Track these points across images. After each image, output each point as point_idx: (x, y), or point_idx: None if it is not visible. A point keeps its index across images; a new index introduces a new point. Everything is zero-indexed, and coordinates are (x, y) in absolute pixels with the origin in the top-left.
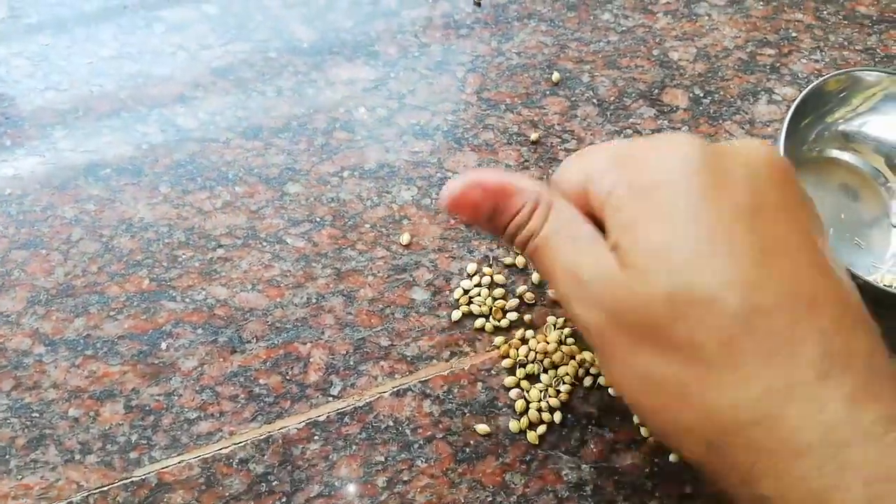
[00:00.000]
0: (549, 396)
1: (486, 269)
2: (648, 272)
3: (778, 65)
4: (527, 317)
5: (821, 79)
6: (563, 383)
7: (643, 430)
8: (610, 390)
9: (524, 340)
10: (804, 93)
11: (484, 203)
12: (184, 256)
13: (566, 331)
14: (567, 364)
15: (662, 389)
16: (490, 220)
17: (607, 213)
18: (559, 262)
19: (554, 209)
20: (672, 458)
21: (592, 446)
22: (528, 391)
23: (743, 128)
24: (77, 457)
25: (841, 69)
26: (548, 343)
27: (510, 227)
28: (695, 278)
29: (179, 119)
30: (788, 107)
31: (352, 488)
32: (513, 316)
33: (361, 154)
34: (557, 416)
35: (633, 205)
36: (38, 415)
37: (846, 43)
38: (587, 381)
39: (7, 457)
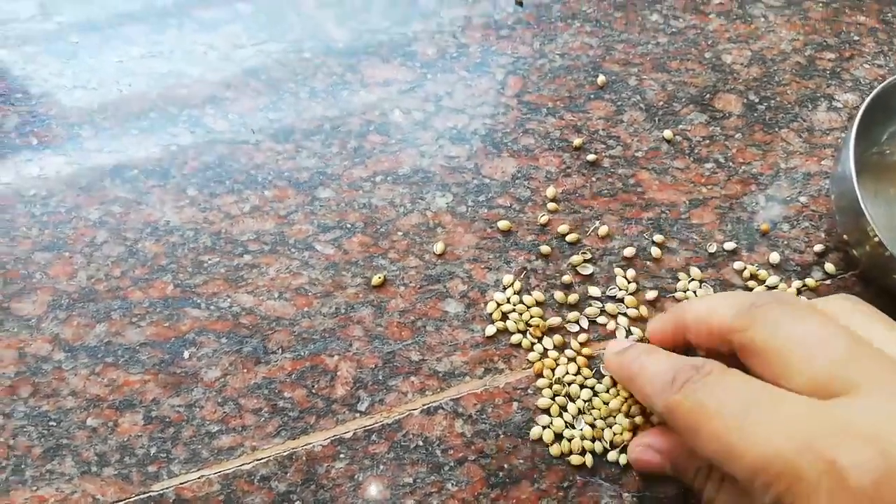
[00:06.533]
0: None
1: (518, 283)
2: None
3: (839, 69)
4: (561, 335)
5: None
6: (614, 423)
7: None
8: None
9: (560, 360)
10: (880, 87)
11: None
12: (209, 262)
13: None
14: (616, 398)
15: None
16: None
17: None
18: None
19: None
20: None
21: (634, 474)
22: (565, 412)
23: (801, 136)
24: (94, 469)
25: None
26: (590, 369)
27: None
28: None
29: (209, 120)
30: (851, 114)
31: None
32: (548, 339)
33: (395, 158)
34: (598, 446)
35: None
36: (55, 423)
37: None
38: (637, 420)
39: (23, 466)
